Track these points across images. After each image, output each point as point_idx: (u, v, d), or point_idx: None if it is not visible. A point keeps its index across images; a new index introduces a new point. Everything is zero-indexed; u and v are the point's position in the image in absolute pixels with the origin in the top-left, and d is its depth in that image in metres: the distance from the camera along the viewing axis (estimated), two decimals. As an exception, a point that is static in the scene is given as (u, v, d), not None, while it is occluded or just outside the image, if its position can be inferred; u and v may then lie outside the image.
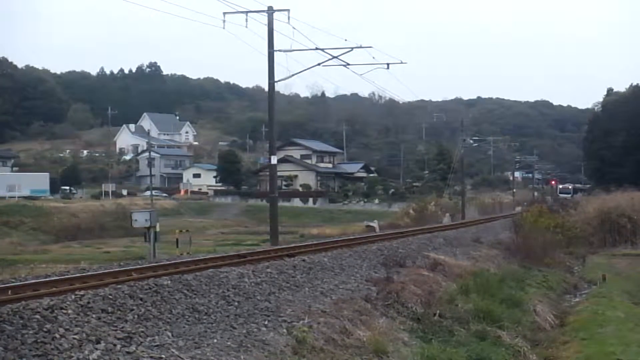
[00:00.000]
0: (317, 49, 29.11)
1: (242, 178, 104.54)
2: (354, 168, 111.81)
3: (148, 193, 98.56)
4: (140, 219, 30.78)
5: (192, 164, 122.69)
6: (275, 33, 28.15)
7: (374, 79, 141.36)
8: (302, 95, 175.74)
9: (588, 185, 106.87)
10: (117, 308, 10.49)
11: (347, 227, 59.75)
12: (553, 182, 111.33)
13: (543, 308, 21.47)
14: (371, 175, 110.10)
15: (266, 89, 30.57)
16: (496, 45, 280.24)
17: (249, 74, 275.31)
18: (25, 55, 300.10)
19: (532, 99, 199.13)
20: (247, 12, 27.58)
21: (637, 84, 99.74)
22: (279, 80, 29.69)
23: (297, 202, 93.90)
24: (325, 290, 15.54)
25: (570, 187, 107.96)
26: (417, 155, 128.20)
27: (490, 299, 18.93)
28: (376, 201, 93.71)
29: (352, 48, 29.21)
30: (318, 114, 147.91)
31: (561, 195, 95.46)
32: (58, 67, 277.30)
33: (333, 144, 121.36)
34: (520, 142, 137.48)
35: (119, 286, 11.61)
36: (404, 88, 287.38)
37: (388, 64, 30.82)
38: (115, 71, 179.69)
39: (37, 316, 9.27)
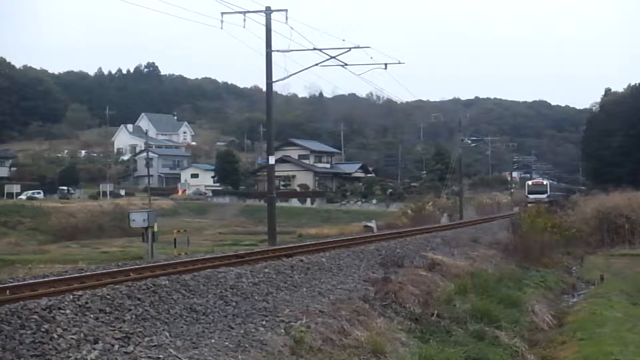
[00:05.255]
0: (315, 49, 29.19)
1: (240, 178, 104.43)
2: (352, 168, 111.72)
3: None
4: (138, 219, 30.75)
5: (190, 164, 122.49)
6: (273, 33, 28.23)
7: (372, 79, 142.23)
8: (300, 96, 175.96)
9: (583, 187, 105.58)
10: (115, 308, 10.49)
11: (345, 227, 59.69)
12: None
13: (541, 308, 21.49)
14: (369, 175, 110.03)
15: (264, 89, 30.59)
16: (495, 45, 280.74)
17: (247, 74, 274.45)
18: (23, 55, 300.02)
19: (530, 99, 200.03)
20: (244, 13, 27.62)
21: (635, 84, 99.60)
22: (276, 81, 29.75)
23: (295, 202, 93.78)
24: (323, 290, 15.53)
25: (545, 182, 72.29)
26: (415, 156, 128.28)
27: (488, 299, 18.95)
28: (374, 201, 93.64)
29: (350, 48, 29.29)
30: (316, 114, 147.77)
31: (530, 197, 63.98)
32: (56, 67, 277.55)
33: (331, 144, 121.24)
34: (518, 142, 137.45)
35: (117, 286, 11.61)
36: (402, 88, 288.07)
37: (386, 64, 30.94)
38: (113, 71, 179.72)
39: (35, 316, 9.27)
